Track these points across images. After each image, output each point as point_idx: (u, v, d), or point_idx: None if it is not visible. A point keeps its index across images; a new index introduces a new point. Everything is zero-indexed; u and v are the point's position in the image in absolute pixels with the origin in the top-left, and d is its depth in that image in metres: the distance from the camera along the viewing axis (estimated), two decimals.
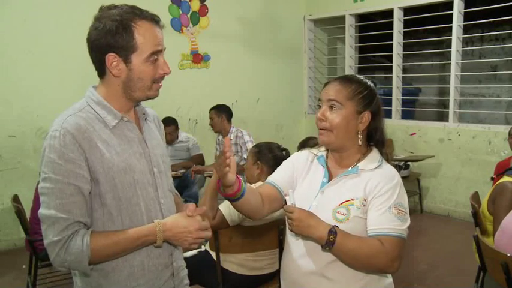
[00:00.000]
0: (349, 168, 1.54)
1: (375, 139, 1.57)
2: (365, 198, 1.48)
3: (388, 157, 1.58)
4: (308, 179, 1.61)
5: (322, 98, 1.54)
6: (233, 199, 1.48)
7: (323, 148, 1.64)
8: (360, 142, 1.53)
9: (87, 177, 1.25)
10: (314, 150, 1.67)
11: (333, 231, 1.41)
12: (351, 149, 1.54)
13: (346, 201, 1.48)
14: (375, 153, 1.56)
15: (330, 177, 1.56)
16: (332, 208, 1.49)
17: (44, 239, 1.24)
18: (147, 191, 1.36)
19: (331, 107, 1.50)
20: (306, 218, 1.44)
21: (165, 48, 1.35)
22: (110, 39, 1.27)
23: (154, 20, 1.32)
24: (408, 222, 1.47)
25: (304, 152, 1.69)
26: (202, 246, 2.57)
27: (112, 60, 1.28)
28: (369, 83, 1.56)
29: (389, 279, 1.58)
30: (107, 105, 1.33)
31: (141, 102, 1.44)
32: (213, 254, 2.39)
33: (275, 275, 2.41)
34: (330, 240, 1.40)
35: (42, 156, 1.26)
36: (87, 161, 1.25)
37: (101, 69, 1.33)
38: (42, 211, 1.24)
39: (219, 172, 1.38)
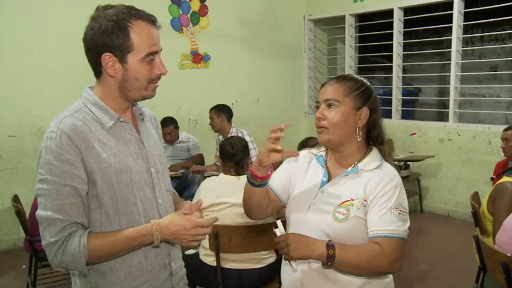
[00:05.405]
0: (349, 168, 1.54)
1: (373, 136, 1.57)
2: (365, 198, 1.47)
3: (385, 154, 1.57)
4: (307, 179, 1.61)
5: (319, 98, 1.54)
6: (258, 183, 1.46)
7: (323, 148, 1.64)
8: (359, 138, 1.53)
9: (84, 178, 1.25)
10: (314, 150, 1.67)
11: (330, 244, 1.41)
12: (351, 147, 1.54)
13: (346, 201, 1.48)
14: (375, 153, 1.56)
15: (330, 177, 1.56)
16: (332, 208, 1.49)
17: (42, 240, 1.24)
18: (144, 191, 1.36)
19: (329, 106, 1.50)
20: (300, 239, 1.43)
21: (161, 49, 1.35)
22: (105, 39, 1.26)
23: (151, 20, 1.32)
24: (409, 223, 1.47)
25: (303, 152, 1.69)
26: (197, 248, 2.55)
27: (108, 60, 1.28)
28: (365, 80, 1.57)
29: (388, 278, 1.58)
30: (104, 105, 1.33)
31: (139, 102, 1.43)
32: (213, 254, 2.39)
33: (275, 275, 2.41)
34: (330, 254, 1.39)
35: (39, 157, 1.26)
36: (84, 161, 1.25)
37: (97, 69, 1.33)
38: (39, 212, 1.24)
39: (272, 148, 1.34)
